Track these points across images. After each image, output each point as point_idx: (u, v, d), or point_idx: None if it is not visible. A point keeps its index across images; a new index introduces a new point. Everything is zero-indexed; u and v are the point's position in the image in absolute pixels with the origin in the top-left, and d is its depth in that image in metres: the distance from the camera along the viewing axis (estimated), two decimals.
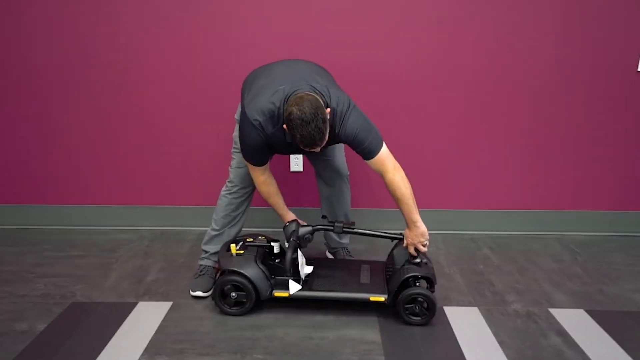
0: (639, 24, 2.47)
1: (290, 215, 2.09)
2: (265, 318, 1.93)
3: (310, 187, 2.67)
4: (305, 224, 2.03)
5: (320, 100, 1.73)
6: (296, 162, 2.72)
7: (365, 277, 2.03)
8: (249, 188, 2.14)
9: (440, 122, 2.65)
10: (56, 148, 2.75)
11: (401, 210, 1.88)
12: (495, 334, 1.83)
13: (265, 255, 2.02)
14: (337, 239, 2.38)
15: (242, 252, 1.96)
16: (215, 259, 2.18)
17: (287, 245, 1.98)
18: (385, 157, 1.85)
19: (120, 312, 1.96)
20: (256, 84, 1.92)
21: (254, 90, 1.89)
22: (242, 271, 1.88)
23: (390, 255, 2.06)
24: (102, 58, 2.59)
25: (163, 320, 1.91)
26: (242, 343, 1.77)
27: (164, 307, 2.01)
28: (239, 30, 2.53)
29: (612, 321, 1.92)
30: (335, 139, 1.85)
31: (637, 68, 2.53)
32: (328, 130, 1.73)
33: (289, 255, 1.92)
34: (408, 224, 1.90)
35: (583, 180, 2.73)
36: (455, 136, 2.66)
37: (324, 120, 1.68)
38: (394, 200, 1.88)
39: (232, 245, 1.99)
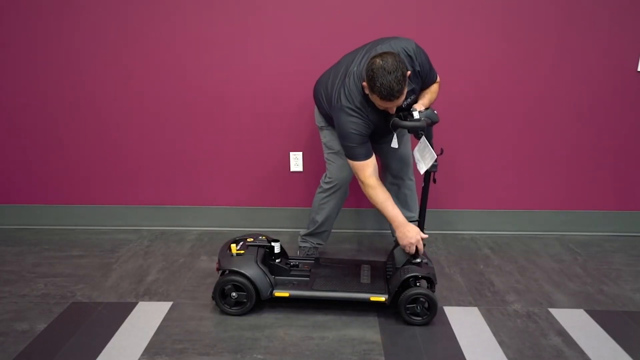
0: (639, 24, 2.47)
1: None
2: (266, 318, 1.93)
3: (310, 187, 2.67)
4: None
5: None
6: (296, 162, 2.71)
7: (365, 277, 2.03)
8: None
9: (440, 123, 2.64)
10: (56, 148, 2.75)
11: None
12: (495, 334, 1.83)
13: (265, 255, 2.02)
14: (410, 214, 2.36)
15: (242, 252, 1.96)
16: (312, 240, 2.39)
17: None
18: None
19: (120, 312, 1.96)
20: (327, 83, 2.05)
21: (328, 88, 2.03)
22: (242, 271, 1.88)
23: (391, 255, 2.06)
24: (102, 58, 2.59)
25: (163, 320, 1.91)
26: (243, 343, 1.77)
27: (164, 307, 2.01)
28: (240, 30, 2.53)
29: (612, 321, 1.92)
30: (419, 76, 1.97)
31: (637, 68, 2.53)
32: (406, 88, 1.79)
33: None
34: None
35: (583, 180, 2.73)
36: (455, 137, 2.66)
37: (403, 75, 1.74)
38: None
39: (233, 245, 1.99)
